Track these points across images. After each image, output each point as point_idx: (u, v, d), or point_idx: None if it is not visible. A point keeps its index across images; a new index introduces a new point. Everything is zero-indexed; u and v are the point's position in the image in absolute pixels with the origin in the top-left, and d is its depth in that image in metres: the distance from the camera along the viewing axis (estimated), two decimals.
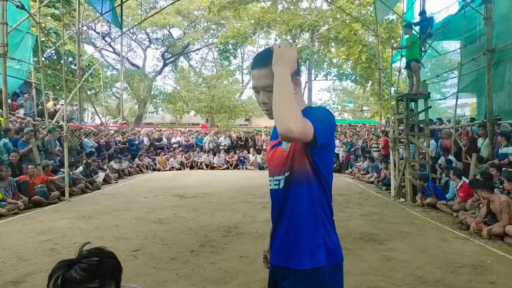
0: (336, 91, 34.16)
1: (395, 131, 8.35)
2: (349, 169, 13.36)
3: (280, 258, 1.37)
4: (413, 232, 5.04)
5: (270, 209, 1.47)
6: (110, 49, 26.63)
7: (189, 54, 30.94)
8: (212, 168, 15.69)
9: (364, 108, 32.75)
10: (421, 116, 8.55)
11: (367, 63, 20.25)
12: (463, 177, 6.65)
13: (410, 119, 7.86)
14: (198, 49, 31.50)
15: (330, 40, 22.09)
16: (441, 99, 13.75)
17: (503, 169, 6.28)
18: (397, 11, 14.70)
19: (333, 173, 1.47)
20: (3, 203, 6.33)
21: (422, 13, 9.96)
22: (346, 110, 34.52)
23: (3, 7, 8.72)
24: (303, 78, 24.88)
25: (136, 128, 18.77)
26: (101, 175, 10.51)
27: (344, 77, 24.67)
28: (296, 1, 21.90)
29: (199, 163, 15.88)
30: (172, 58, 29.20)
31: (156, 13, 21.66)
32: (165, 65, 29.25)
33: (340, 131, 17.10)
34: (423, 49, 9.89)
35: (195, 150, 16.50)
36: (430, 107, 8.64)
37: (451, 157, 8.10)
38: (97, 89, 18.35)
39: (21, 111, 10.83)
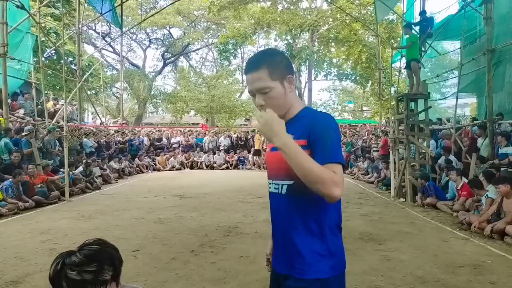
0: (336, 91, 34.20)
1: (395, 131, 8.35)
2: (349, 169, 13.36)
3: (282, 266, 1.36)
4: (413, 232, 5.04)
5: (270, 211, 1.45)
6: (110, 49, 26.67)
7: (189, 54, 30.95)
8: (212, 168, 15.69)
9: (364, 108, 32.78)
10: (421, 116, 8.55)
11: (367, 63, 20.26)
12: (463, 177, 6.65)
13: (410, 119, 7.86)
14: (198, 49, 31.53)
15: (330, 40, 22.10)
16: (441, 99, 13.76)
17: (503, 169, 6.28)
18: (397, 11, 14.70)
19: None
20: (3, 203, 6.34)
21: (422, 13, 9.96)
22: (346, 110, 34.55)
23: (3, 7, 8.71)
24: (303, 78, 24.95)
25: (136, 128, 18.78)
26: (96, 170, 10.43)
27: (344, 77, 24.67)
28: (296, 1, 21.89)
29: (199, 163, 15.88)
30: (172, 58, 29.20)
31: (156, 13, 21.66)
32: (165, 65, 29.26)
33: (340, 131, 17.08)
34: (423, 49, 9.89)
35: (195, 150, 16.51)
36: (430, 107, 8.64)
37: (451, 157, 8.10)
38: (97, 89, 18.35)
39: (21, 111, 10.83)
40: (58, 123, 11.06)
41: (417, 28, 9.70)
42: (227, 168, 15.74)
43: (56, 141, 9.86)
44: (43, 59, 12.30)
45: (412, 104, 8.20)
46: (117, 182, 11.29)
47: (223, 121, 25.71)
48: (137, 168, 14.11)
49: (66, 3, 14.04)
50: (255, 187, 9.62)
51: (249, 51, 31.75)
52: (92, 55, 19.24)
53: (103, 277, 1.09)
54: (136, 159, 14.49)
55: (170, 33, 28.44)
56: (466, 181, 6.38)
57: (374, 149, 13.12)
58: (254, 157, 15.58)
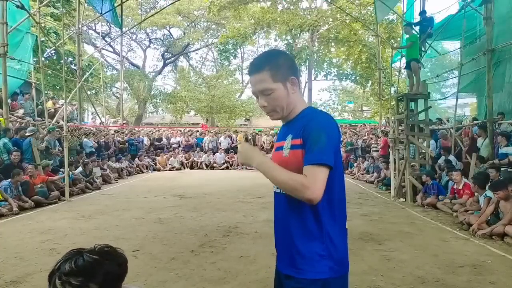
0: (336, 91, 34.19)
1: (395, 131, 8.35)
2: (349, 169, 13.36)
3: (284, 265, 1.37)
4: (413, 232, 5.04)
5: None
6: (110, 49, 26.66)
7: (189, 54, 30.94)
8: (212, 168, 15.69)
9: (364, 108, 32.77)
10: (421, 116, 8.55)
11: (367, 63, 20.26)
12: (463, 177, 6.64)
13: (410, 119, 7.86)
14: (198, 49, 31.51)
15: (330, 40, 22.10)
16: (441, 99, 13.77)
17: (503, 169, 6.28)
18: (397, 11, 14.70)
19: None
20: (3, 203, 6.33)
21: (422, 13, 9.96)
22: (346, 110, 34.55)
23: (3, 7, 8.71)
24: (303, 78, 24.93)
25: (136, 128, 18.78)
26: (96, 171, 10.45)
27: (344, 77, 24.67)
28: (296, 1, 21.89)
29: (199, 163, 15.88)
30: (172, 58, 29.19)
31: (156, 13, 21.66)
32: (165, 65, 29.25)
33: (340, 131, 17.07)
34: (423, 49, 9.89)
35: (195, 150, 16.51)
36: (430, 107, 8.64)
37: (451, 157, 8.09)
38: (97, 89, 18.35)
39: (21, 111, 10.83)
40: (58, 123, 11.07)
41: (417, 28, 9.71)
42: (227, 168, 15.74)
43: (56, 141, 9.87)
44: (43, 59, 12.30)
45: (412, 104, 8.20)
46: (117, 182, 11.29)
47: (223, 121, 25.70)
48: (137, 168, 14.11)
49: (66, 3, 14.04)
50: (255, 187, 9.61)
51: (249, 51, 31.82)
52: (92, 55, 19.24)
53: None
54: (136, 159, 14.49)
55: (170, 33, 28.45)
56: (466, 181, 6.38)
57: (374, 149, 13.12)
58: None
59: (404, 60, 10.17)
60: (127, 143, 14.91)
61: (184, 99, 24.08)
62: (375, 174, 10.87)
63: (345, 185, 1.42)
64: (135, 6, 24.47)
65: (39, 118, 11.21)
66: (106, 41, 23.42)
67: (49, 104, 12.65)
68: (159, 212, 6.47)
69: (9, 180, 6.77)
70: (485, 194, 5.40)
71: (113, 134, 15.46)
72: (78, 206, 7.20)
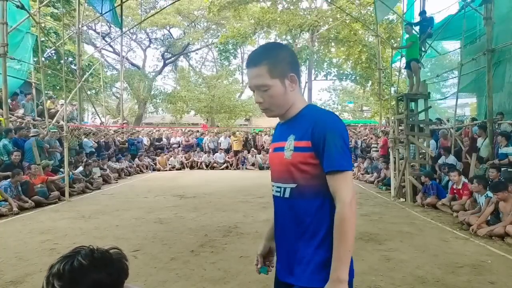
0: (336, 91, 34.20)
1: (395, 131, 8.35)
2: None
3: (285, 273, 1.31)
4: (413, 232, 5.04)
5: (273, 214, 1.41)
6: (110, 49, 26.64)
7: (189, 54, 30.94)
8: (212, 168, 15.69)
9: (364, 108, 32.78)
10: (421, 116, 8.56)
11: (367, 63, 20.25)
12: (462, 177, 6.64)
13: (410, 119, 7.86)
14: (198, 49, 31.50)
15: (330, 40, 22.10)
16: (441, 99, 13.77)
17: (503, 169, 6.28)
18: (397, 11, 14.70)
19: None
20: (3, 203, 6.33)
21: (422, 13, 9.97)
22: (346, 110, 34.54)
23: (3, 7, 8.72)
24: (303, 78, 24.92)
25: (136, 128, 18.77)
26: (96, 171, 10.45)
27: (344, 77, 24.67)
28: (296, 1, 21.89)
29: (199, 163, 15.88)
30: (172, 58, 29.18)
31: (156, 13, 21.66)
32: (165, 65, 29.24)
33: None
34: (423, 49, 9.90)
35: (195, 150, 16.51)
36: (430, 107, 8.64)
37: (451, 157, 8.09)
38: (97, 89, 18.35)
39: (21, 111, 10.84)
40: (58, 123, 11.07)
41: (417, 28, 9.71)
42: (227, 168, 15.74)
43: (56, 141, 9.87)
44: (43, 59, 12.30)
45: (412, 104, 8.20)
46: (117, 182, 11.28)
47: (223, 121, 25.70)
48: (137, 168, 14.10)
49: (66, 3, 14.04)
50: (255, 187, 9.62)
51: (249, 51, 31.74)
52: (92, 55, 19.24)
53: None
54: (136, 159, 14.49)
55: (170, 33, 28.44)
56: (467, 181, 6.37)
57: (374, 149, 13.12)
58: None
59: (404, 60, 10.17)
60: (127, 143, 14.92)
61: (184, 99, 24.06)
62: (375, 174, 10.87)
63: None
64: (135, 6, 24.46)
65: (39, 118, 11.21)
66: (106, 41, 23.41)
67: (49, 104, 12.66)
68: (159, 212, 6.47)
69: (9, 180, 6.78)
70: (486, 194, 5.41)
71: (113, 134, 15.46)
72: (78, 206, 7.20)
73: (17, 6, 9.15)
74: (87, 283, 0.97)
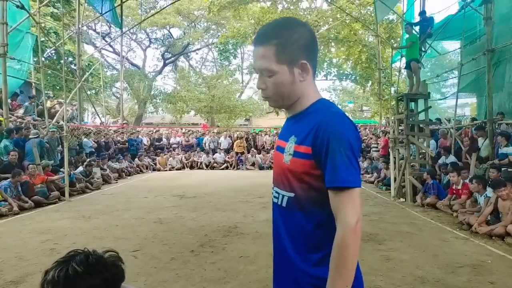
0: (336, 91, 34.21)
1: (395, 131, 8.35)
2: None
3: None
4: (413, 232, 5.04)
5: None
6: (110, 49, 26.63)
7: (189, 54, 30.93)
8: (212, 168, 15.69)
9: (364, 108, 32.79)
10: (421, 116, 8.55)
11: (367, 63, 20.26)
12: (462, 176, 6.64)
13: (410, 119, 7.86)
14: (198, 49, 31.49)
15: (330, 40, 22.09)
16: (441, 99, 13.75)
17: (503, 169, 6.27)
18: (397, 11, 14.70)
19: None
20: (3, 203, 6.33)
21: (422, 13, 9.97)
22: (346, 110, 34.50)
23: (3, 7, 8.71)
24: None
25: (136, 128, 18.77)
26: (96, 171, 10.46)
27: (344, 77, 24.68)
28: (296, 1, 21.89)
29: (199, 163, 15.88)
30: (172, 58, 29.18)
31: (156, 13, 21.65)
32: (165, 65, 29.23)
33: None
34: (423, 49, 9.90)
35: (195, 150, 16.51)
36: (430, 107, 8.64)
37: (451, 157, 8.09)
38: (97, 89, 18.34)
39: (21, 111, 10.84)
40: (58, 123, 11.07)
41: (417, 28, 9.71)
42: (227, 168, 15.74)
43: (57, 141, 9.87)
44: (43, 59, 12.30)
45: (412, 104, 8.21)
46: (117, 182, 11.28)
47: (223, 121, 25.71)
48: (137, 168, 14.10)
49: (66, 3, 14.04)
50: (255, 187, 9.62)
51: (249, 51, 31.77)
52: (92, 55, 19.23)
53: None
54: (136, 159, 14.50)
55: (170, 33, 28.43)
56: (467, 181, 6.38)
57: (374, 149, 13.12)
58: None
59: (404, 60, 10.16)
60: (127, 143, 14.92)
61: (184, 99, 24.08)
62: (375, 174, 10.87)
63: None
64: (135, 6, 24.45)
65: (39, 118, 11.21)
66: (106, 41, 23.41)
67: (49, 103, 12.66)
68: (159, 212, 6.47)
69: (9, 180, 6.77)
70: (486, 194, 5.41)
71: (113, 134, 15.46)
72: (78, 206, 7.20)
73: (17, 6, 9.14)
74: None
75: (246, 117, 27.66)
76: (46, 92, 12.50)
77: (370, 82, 21.84)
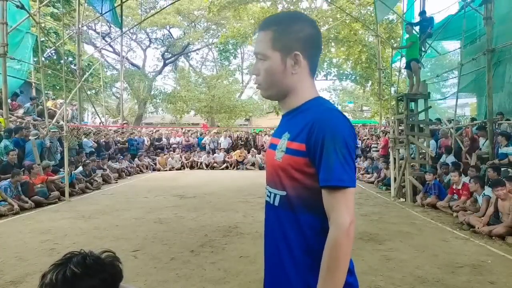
0: (336, 91, 34.19)
1: (395, 131, 8.35)
2: None
3: None
4: (413, 232, 5.04)
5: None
6: (110, 49, 26.62)
7: (189, 54, 30.92)
8: (212, 168, 15.69)
9: (364, 108, 32.78)
10: (421, 116, 8.55)
11: (367, 63, 20.25)
12: (462, 177, 6.64)
13: (410, 119, 7.86)
14: (198, 49, 31.48)
15: (330, 40, 22.07)
16: (441, 99, 13.76)
17: (503, 169, 6.27)
18: (397, 11, 14.70)
19: None
20: (3, 203, 6.33)
21: (422, 13, 9.97)
22: (346, 110, 34.50)
23: (3, 7, 8.72)
24: None
25: (137, 128, 18.77)
26: (98, 172, 10.47)
27: (344, 77, 24.67)
28: (296, 1, 21.88)
29: (199, 163, 15.88)
30: (172, 58, 29.18)
31: (156, 13, 21.65)
32: (165, 65, 29.23)
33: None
34: (423, 49, 9.90)
35: (195, 150, 16.51)
36: (430, 107, 8.64)
37: (451, 157, 8.09)
38: (97, 89, 18.35)
39: (21, 111, 10.84)
40: (58, 123, 11.07)
41: (417, 28, 9.71)
42: (227, 168, 15.74)
43: (57, 141, 9.87)
44: (43, 59, 12.30)
45: (412, 104, 8.20)
46: (117, 182, 11.28)
47: (223, 121, 25.71)
48: (137, 168, 14.10)
49: (66, 3, 14.03)
50: (255, 187, 9.62)
51: (249, 51, 31.75)
52: (92, 55, 19.23)
53: None
54: (136, 159, 14.49)
55: (170, 33, 28.42)
56: (467, 181, 6.38)
57: (374, 149, 13.12)
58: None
59: (404, 60, 10.16)
60: (127, 143, 14.91)
61: (184, 99, 24.08)
62: (375, 174, 10.87)
63: None
64: (135, 6, 24.44)
65: (39, 118, 11.21)
66: (106, 41, 23.40)
67: (49, 103, 12.66)
68: (159, 212, 6.47)
69: (8, 180, 6.77)
70: (484, 193, 5.41)
71: (113, 134, 15.46)
72: (78, 206, 7.20)
73: (17, 6, 9.14)
74: None
75: (246, 117, 27.66)
76: (46, 92, 12.51)
77: (370, 82, 21.83)
